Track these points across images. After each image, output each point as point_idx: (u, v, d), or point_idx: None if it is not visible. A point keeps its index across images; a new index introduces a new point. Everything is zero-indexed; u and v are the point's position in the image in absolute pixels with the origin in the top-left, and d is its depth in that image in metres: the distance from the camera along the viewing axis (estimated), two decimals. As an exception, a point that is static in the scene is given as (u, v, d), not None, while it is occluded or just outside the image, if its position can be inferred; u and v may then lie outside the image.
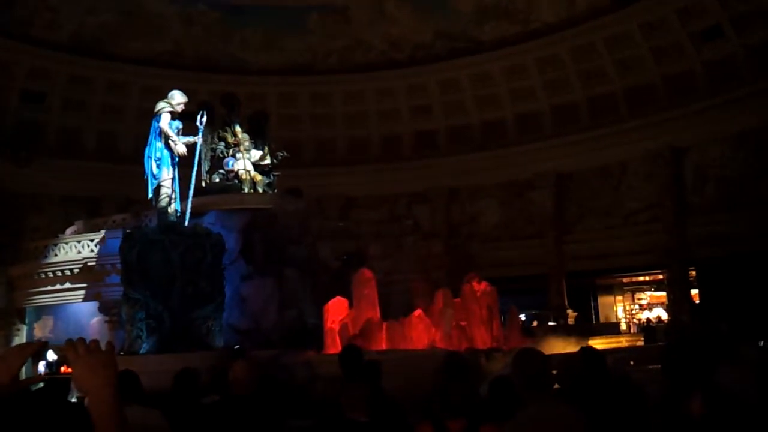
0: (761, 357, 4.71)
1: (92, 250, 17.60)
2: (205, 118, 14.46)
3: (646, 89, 22.55)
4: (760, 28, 19.93)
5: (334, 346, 12.64)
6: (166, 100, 14.68)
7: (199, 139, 14.42)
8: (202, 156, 17.25)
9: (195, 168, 14.08)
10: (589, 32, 22.83)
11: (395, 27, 25.07)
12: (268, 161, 17.08)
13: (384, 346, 12.86)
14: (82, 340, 2.10)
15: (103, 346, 2.15)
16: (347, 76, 25.81)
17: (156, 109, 14.63)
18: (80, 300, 18.14)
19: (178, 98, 14.88)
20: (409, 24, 24.92)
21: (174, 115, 14.68)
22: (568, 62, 23.64)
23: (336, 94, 26.26)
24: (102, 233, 17.51)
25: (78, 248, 17.98)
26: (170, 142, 14.32)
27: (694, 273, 22.24)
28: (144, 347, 12.00)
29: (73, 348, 2.08)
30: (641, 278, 26.73)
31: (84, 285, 17.80)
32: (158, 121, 14.34)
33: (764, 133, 20.03)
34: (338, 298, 13.90)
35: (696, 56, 21.44)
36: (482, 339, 14.14)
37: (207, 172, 17.03)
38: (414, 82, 25.79)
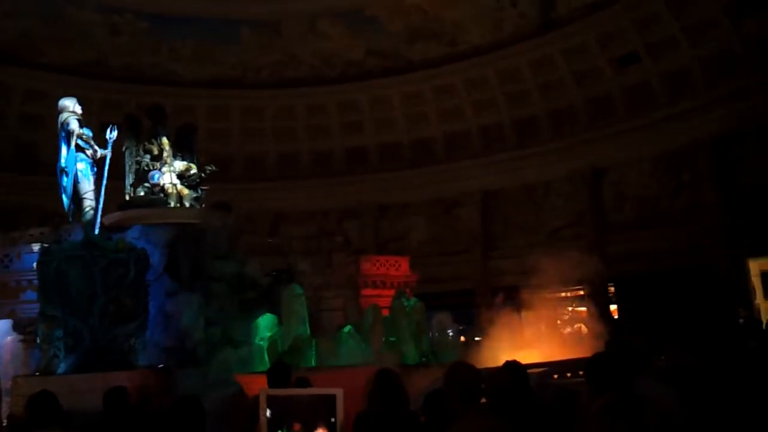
0: (674, 367, 4.98)
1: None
2: (114, 133, 14.15)
3: (568, 111, 23.42)
4: (673, 55, 21.04)
5: (262, 363, 12.46)
6: (68, 110, 14.42)
7: (108, 153, 14.11)
8: (127, 169, 16.77)
9: (104, 181, 13.74)
10: (514, 55, 23.56)
11: (327, 43, 25.16)
12: (194, 171, 16.70)
13: (314, 363, 12.78)
14: None
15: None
16: (279, 90, 25.69)
17: (61, 120, 14.30)
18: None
19: (75, 105, 14.59)
20: (341, 41, 25.06)
21: (82, 123, 14.37)
22: (494, 84, 24.28)
23: (267, 108, 26.08)
24: (18, 248, 16.75)
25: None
26: (87, 150, 13.99)
27: (612, 289, 23.07)
28: (62, 367, 11.50)
29: None
30: (563, 294, 27.46)
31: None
32: (68, 127, 13.98)
33: (678, 155, 21.13)
34: (267, 314, 13.74)
35: (615, 80, 22.44)
36: (412, 354, 14.26)
37: (131, 186, 16.52)
38: (345, 98, 25.91)
